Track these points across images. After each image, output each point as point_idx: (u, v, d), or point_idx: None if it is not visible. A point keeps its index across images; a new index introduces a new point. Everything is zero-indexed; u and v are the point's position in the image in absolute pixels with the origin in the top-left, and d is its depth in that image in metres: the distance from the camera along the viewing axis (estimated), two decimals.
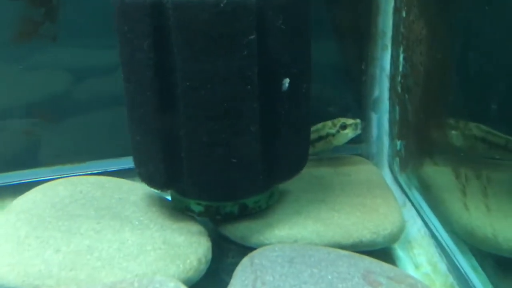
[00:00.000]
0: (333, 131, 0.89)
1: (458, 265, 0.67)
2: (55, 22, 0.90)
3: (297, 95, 0.71)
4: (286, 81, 0.68)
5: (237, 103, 0.66)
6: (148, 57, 0.65)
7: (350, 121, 0.89)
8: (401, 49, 0.87)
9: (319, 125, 0.90)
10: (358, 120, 0.89)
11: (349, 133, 0.88)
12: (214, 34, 0.63)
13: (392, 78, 0.92)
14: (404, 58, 0.86)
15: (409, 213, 0.83)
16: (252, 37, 0.64)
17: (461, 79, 0.67)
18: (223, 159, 0.68)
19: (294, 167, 0.76)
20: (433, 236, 0.76)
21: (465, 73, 0.66)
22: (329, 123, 0.90)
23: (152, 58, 0.65)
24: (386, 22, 0.94)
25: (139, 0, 0.64)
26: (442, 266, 0.71)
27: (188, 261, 0.66)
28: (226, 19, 0.62)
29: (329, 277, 0.57)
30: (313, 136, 0.87)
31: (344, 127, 0.88)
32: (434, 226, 0.76)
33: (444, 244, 0.72)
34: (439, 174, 0.77)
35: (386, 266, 0.61)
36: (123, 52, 0.69)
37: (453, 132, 0.68)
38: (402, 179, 0.90)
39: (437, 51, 0.72)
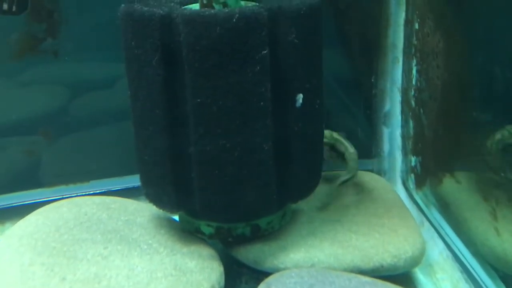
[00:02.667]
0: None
1: None
2: (57, 37, 0.87)
3: (310, 111, 0.69)
4: (300, 97, 0.66)
5: (250, 120, 0.63)
6: (157, 73, 0.63)
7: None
8: (414, 62, 0.84)
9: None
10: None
11: None
12: (226, 49, 0.61)
13: (404, 91, 0.90)
14: (417, 71, 0.83)
15: (428, 233, 0.80)
16: (264, 52, 0.62)
17: (483, 92, 0.65)
18: (235, 178, 0.65)
19: (308, 185, 0.74)
20: (457, 259, 0.72)
21: (488, 86, 0.63)
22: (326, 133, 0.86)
23: (161, 74, 0.63)
24: (396, 35, 0.92)
25: (147, 15, 0.62)
26: None
27: None
28: (238, 34, 0.61)
29: None
30: None
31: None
32: (458, 248, 0.72)
33: (470, 269, 0.68)
34: (461, 192, 0.74)
35: None
36: (130, 68, 0.67)
37: (488, 146, 0.64)
38: (418, 196, 0.87)
39: (456, 64, 0.69)
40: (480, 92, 0.67)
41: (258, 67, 0.62)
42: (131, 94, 0.68)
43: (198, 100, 0.62)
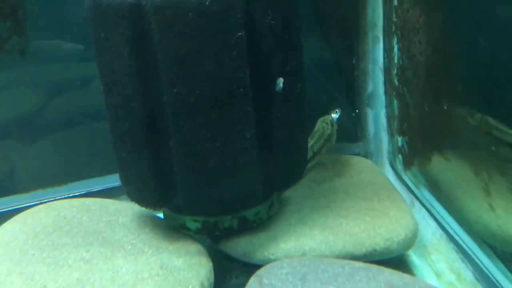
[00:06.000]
0: (330, 131, 0.84)
1: (488, 273, 0.61)
2: (23, 36, 0.83)
3: (292, 95, 0.67)
4: (280, 81, 0.64)
5: (230, 108, 0.61)
6: (129, 65, 0.60)
7: (332, 114, 0.88)
8: (395, 40, 0.82)
9: (319, 130, 0.85)
10: (337, 110, 0.89)
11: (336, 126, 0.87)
12: (200, 35, 0.58)
13: (387, 71, 0.88)
14: (399, 49, 0.81)
15: (420, 214, 0.78)
16: (240, 34, 0.59)
17: (469, 65, 0.63)
18: (219, 169, 0.63)
19: (294, 173, 0.72)
20: (451, 239, 0.70)
21: (474, 59, 0.61)
22: (324, 125, 0.85)
23: (134, 66, 0.60)
24: (376, 13, 0.89)
25: (116, 4, 0.59)
26: (467, 273, 0.65)
27: (191, 286, 0.60)
28: (212, 18, 0.58)
29: None
30: (320, 143, 0.83)
31: (332, 123, 0.86)
32: (451, 227, 0.70)
33: (466, 248, 0.67)
34: (451, 170, 0.72)
35: (408, 278, 0.56)
36: (101, 62, 0.64)
37: (470, 123, 0.63)
38: (407, 177, 0.86)
39: (439, 39, 0.67)
40: (465, 66, 0.65)
41: (235, 52, 0.59)
42: (104, 89, 0.65)
43: (175, 90, 0.60)
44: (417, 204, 0.80)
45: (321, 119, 0.87)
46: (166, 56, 0.59)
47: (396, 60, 0.83)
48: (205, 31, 0.58)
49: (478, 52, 0.61)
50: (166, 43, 0.58)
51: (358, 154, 0.96)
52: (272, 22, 0.62)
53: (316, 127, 0.85)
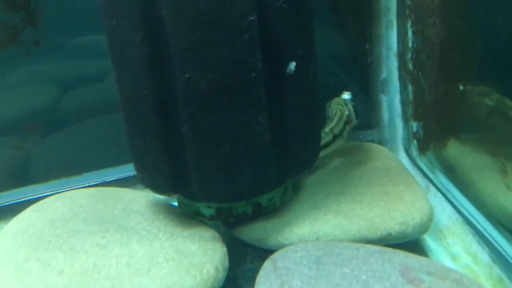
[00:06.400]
0: (347, 112, 0.83)
1: (505, 254, 0.61)
2: (37, 26, 0.84)
3: (305, 80, 0.66)
4: (293, 65, 0.64)
5: (242, 93, 0.61)
6: (141, 51, 0.60)
7: (343, 95, 0.87)
8: (409, 23, 0.81)
9: (337, 113, 0.83)
10: (347, 92, 0.87)
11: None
12: (211, 20, 0.58)
13: (401, 56, 0.87)
14: (413, 33, 0.80)
15: (435, 198, 0.77)
16: (252, 17, 0.58)
17: (486, 45, 0.62)
18: (232, 155, 0.63)
19: (308, 158, 0.71)
20: (468, 222, 0.69)
21: (490, 38, 0.60)
22: (339, 107, 0.84)
23: (146, 52, 0.60)
24: None
25: None
26: (484, 255, 0.65)
27: (205, 270, 0.60)
28: (222, 2, 0.57)
29: (363, 276, 0.52)
30: (340, 125, 0.82)
31: (346, 103, 0.85)
32: (467, 211, 0.69)
33: (482, 231, 0.66)
34: (467, 154, 0.71)
35: (423, 260, 0.55)
36: (114, 49, 0.64)
37: (486, 104, 0.61)
38: (422, 162, 0.84)
39: (454, 20, 0.66)
40: (481, 46, 0.64)
41: (247, 36, 0.59)
42: (117, 77, 0.65)
43: (186, 75, 0.59)
44: (433, 189, 0.79)
45: (334, 101, 0.85)
46: (177, 42, 0.58)
47: (410, 44, 0.82)
48: (216, 15, 0.57)
49: (494, 31, 0.60)
50: (177, 28, 0.58)
51: (372, 141, 0.95)
52: (284, 5, 0.61)
53: (333, 111, 0.84)
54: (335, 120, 0.82)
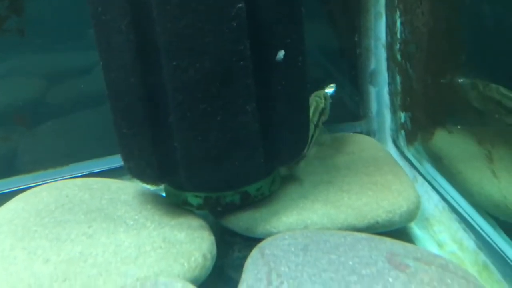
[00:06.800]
0: (323, 105, 0.83)
1: (490, 241, 0.61)
2: (22, 15, 0.82)
3: (293, 68, 0.66)
4: (281, 53, 0.63)
5: (230, 81, 0.60)
6: (127, 39, 0.59)
7: (327, 89, 0.87)
8: (398, 14, 0.81)
9: (313, 104, 0.84)
10: (332, 85, 0.87)
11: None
12: (199, 6, 0.57)
13: (389, 47, 0.87)
14: (402, 23, 0.80)
15: (422, 188, 0.78)
16: (240, 5, 0.58)
17: (474, 35, 0.62)
18: (220, 144, 0.62)
19: (296, 147, 0.71)
20: (454, 210, 0.70)
21: (479, 27, 0.60)
22: (317, 99, 0.84)
23: (132, 40, 0.59)
24: None
25: None
26: (470, 243, 0.65)
27: (193, 258, 0.60)
28: None
29: (350, 262, 0.52)
30: (316, 116, 0.82)
31: (326, 97, 0.86)
32: (454, 199, 0.70)
33: (468, 218, 0.66)
34: (454, 144, 0.71)
35: (409, 246, 0.55)
36: (100, 37, 0.63)
37: (472, 93, 0.62)
38: (410, 153, 0.85)
39: (442, 8, 0.66)
40: (469, 35, 0.64)
41: (235, 23, 0.58)
42: (103, 65, 0.64)
43: (174, 63, 0.59)
44: (420, 178, 0.80)
45: (314, 93, 0.86)
46: (164, 29, 0.58)
47: (398, 35, 0.82)
48: (204, 2, 0.57)
49: (483, 21, 0.60)
50: (164, 15, 0.57)
51: (361, 133, 0.96)
52: None
53: (311, 101, 0.84)
54: (311, 111, 0.82)
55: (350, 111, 0.98)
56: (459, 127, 0.71)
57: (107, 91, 0.65)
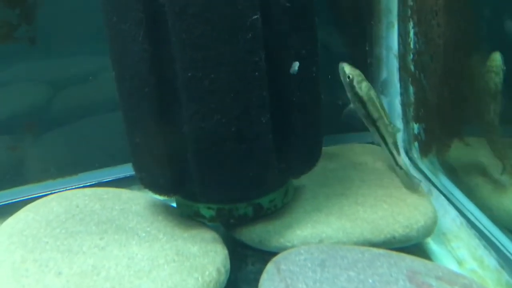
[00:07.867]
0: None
1: None
2: (32, 23, 0.82)
3: (307, 79, 0.65)
4: (296, 65, 0.63)
5: (245, 92, 0.60)
6: (143, 49, 0.59)
7: None
8: (411, 24, 0.81)
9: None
10: None
11: None
12: (214, 16, 0.57)
13: (402, 57, 0.86)
14: (415, 34, 0.79)
15: (438, 201, 0.76)
16: (255, 17, 0.57)
17: (492, 46, 0.61)
18: (233, 155, 0.62)
19: (309, 159, 0.70)
20: (472, 225, 0.68)
21: (496, 38, 0.59)
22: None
23: (148, 50, 0.59)
24: None
25: None
26: (491, 260, 0.63)
27: (207, 272, 0.59)
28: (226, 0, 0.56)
29: (370, 280, 0.51)
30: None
31: None
32: (472, 214, 0.68)
33: (488, 234, 0.65)
34: (471, 156, 0.70)
35: (430, 264, 0.54)
36: (114, 47, 0.63)
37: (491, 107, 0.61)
38: (424, 165, 0.84)
39: (459, 19, 0.65)
40: (487, 47, 0.63)
41: (250, 34, 0.58)
42: (116, 75, 0.64)
43: (189, 74, 0.58)
44: (435, 191, 0.78)
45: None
46: (179, 39, 0.57)
47: (412, 45, 0.81)
48: (219, 13, 0.56)
49: (501, 31, 0.59)
50: (179, 25, 0.57)
51: (372, 143, 0.95)
52: (287, 4, 0.61)
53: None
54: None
55: (361, 121, 0.97)
56: (476, 139, 0.70)
57: (120, 100, 0.65)
